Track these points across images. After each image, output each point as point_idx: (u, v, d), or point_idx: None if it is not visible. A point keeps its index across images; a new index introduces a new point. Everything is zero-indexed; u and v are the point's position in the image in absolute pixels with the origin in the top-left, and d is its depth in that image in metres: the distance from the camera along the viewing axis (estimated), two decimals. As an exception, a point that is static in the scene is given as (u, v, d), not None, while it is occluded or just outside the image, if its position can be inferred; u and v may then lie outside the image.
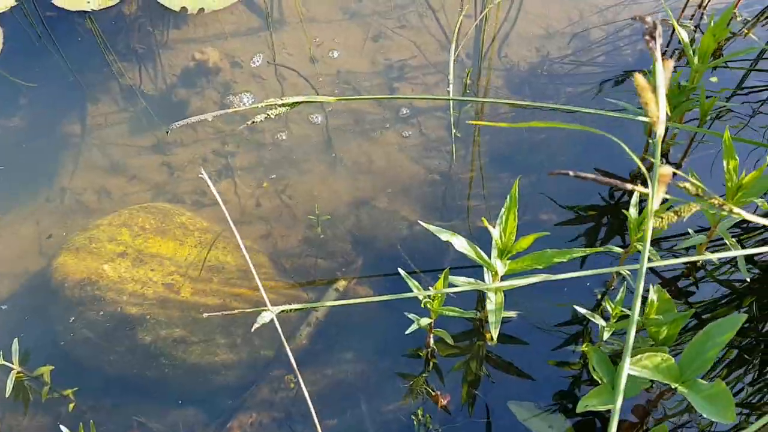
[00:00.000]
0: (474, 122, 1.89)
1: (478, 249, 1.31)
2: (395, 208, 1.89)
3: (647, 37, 0.64)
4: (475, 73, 2.17)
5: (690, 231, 1.51)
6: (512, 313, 1.58)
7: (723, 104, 1.68)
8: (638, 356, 1.05)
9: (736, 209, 0.64)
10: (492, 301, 1.28)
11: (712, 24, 1.51)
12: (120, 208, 1.88)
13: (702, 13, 2.23)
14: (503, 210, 1.25)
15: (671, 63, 0.64)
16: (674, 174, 0.63)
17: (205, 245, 1.77)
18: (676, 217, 0.62)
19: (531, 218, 1.84)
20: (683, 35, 1.57)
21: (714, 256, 1.31)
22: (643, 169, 0.61)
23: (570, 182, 1.88)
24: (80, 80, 2.19)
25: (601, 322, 1.33)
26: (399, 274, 1.42)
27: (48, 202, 1.97)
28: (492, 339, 1.32)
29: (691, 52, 1.56)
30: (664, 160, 1.84)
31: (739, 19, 2.22)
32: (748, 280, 1.52)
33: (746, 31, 2.17)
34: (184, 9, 2.29)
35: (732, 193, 1.24)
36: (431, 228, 1.33)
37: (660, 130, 0.58)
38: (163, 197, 1.96)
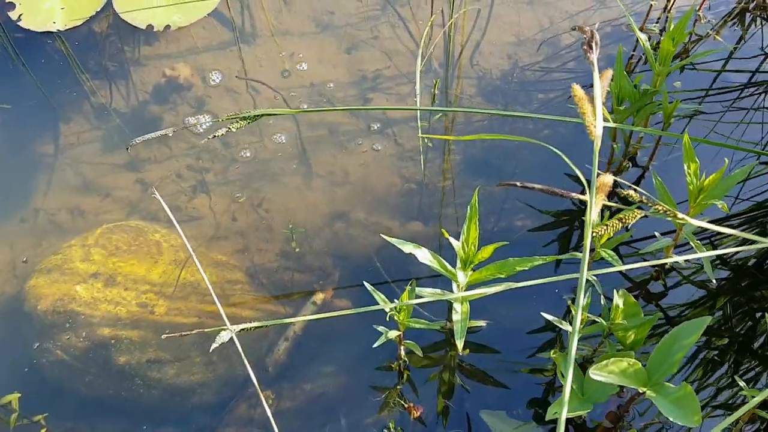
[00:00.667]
0: (424, 135, 1.91)
1: (442, 260, 1.31)
2: (372, 219, 1.89)
3: (585, 47, 0.64)
4: (445, 82, 2.18)
5: (656, 234, 1.52)
6: (482, 322, 1.59)
7: (687, 107, 1.70)
8: (605, 362, 1.06)
9: (680, 215, 0.65)
10: (458, 312, 1.29)
11: (672, 28, 1.53)
12: (94, 228, 1.87)
13: (667, 17, 2.25)
14: (465, 220, 1.25)
15: (610, 72, 0.65)
16: (616, 183, 0.64)
17: (180, 263, 1.76)
18: (620, 224, 0.62)
19: (506, 225, 1.84)
20: (643, 39, 1.59)
21: (680, 258, 1.32)
22: (583, 179, 0.62)
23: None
24: (52, 100, 2.18)
25: (569, 328, 1.33)
26: (376, 284, 1.42)
27: (22, 223, 1.95)
28: (459, 350, 1.32)
29: (652, 56, 1.58)
30: (630, 164, 1.86)
31: (704, 21, 2.24)
32: (714, 281, 1.53)
33: (713, 33, 2.20)
34: (150, 27, 2.29)
35: (694, 195, 1.25)
36: (392, 241, 1.34)
37: (597, 141, 0.58)
38: (137, 215, 1.96)
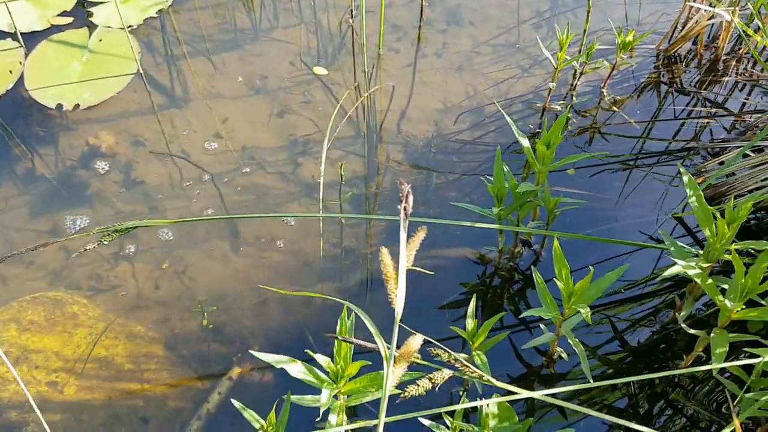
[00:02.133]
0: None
1: (317, 372, 1.31)
2: (297, 287, 1.92)
3: (400, 207, 0.68)
4: (372, 148, 2.23)
5: (542, 326, 1.58)
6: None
7: (572, 200, 1.77)
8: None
9: (486, 377, 0.69)
10: (332, 423, 1.29)
11: (546, 131, 1.60)
12: (17, 297, 1.86)
13: (572, 95, 2.36)
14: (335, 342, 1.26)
15: (424, 232, 0.69)
16: (428, 342, 0.68)
17: (96, 336, 1.76)
18: (430, 384, 0.66)
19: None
20: (523, 143, 1.66)
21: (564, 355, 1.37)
22: (382, 347, 0.66)
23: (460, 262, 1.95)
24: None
25: None
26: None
27: (-59, 291, 1.93)
28: None
29: (533, 157, 1.64)
30: (524, 250, 1.92)
31: (607, 98, 2.35)
32: (591, 381, 1.56)
33: (616, 108, 2.31)
34: (59, 106, 2.30)
35: (566, 299, 1.31)
36: (261, 356, 1.34)
37: (398, 310, 0.63)
38: (60, 283, 1.95)
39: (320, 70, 2.47)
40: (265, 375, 1.80)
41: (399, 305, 0.62)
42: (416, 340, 0.64)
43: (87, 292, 1.92)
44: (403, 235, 0.63)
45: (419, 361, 0.73)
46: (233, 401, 1.40)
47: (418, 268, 0.67)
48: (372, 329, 0.67)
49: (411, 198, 0.68)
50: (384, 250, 0.66)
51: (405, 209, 0.66)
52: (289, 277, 1.94)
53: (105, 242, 0.98)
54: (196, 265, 1.97)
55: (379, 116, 2.33)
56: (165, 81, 2.42)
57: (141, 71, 2.41)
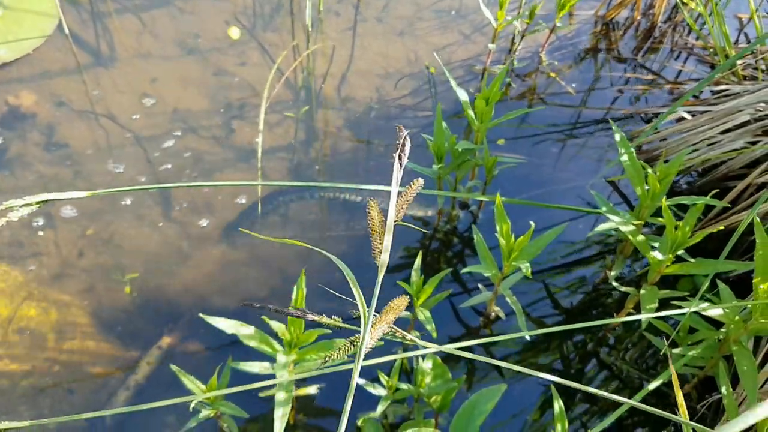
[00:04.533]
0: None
1: (270, 339, 1.27)
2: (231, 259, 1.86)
3: (395, 153, 0.64)
4: (311, 113, 2.18)
5: (480, 286, 1.58)
6: (312, 389, 1.58)
7: (510, 160, 1.77)
8: (408, 430, 1.08)
9: (421, 342, 0.67)
10: (281, 399, 1.25)
11: (485, 87, 1.59)
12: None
13: (512, 60, 2.35)
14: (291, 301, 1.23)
15: (421, 181, 0.65)
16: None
17: (17, 305, 1.67)
18: (352, 347, 0.63)
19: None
20: (461, 95, 1.63)
21: (501, 313, 1.37)
22: (363, 310, 0.62)
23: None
24: None
25: (381, 392, 1.35)
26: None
27: None
28: None
29: (471, 114, 1.63)
30: (462, 212, 1.92)
31: (545, 63, 2.36)
32: (528, 338, 1.58)
33: (554, 74, 2.31)
34: None
35: (506, 255, 1.30)
36: (211, 320, 1.28)
37: (381, 269, 0.59)
38: (-23, 250, 1.84)
39: (234, 32, 2.36)
40: (195, 344, 1.74)
41: (384, 258, 0.58)
42: (402, 301, 0.61)
43: (8, 259, 1.82)
44: (394, 186, 0.59)
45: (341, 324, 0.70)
46: (171, 366, 1.35)
47: (406, 224, 0.64)
48: (352, 285, 0.63)
49: (408, 145, 0.63)
50: (373, 203, 0.62)
51: (400, 157, 0.62)
52: (224, 246, 1.88)
53: (14, 219, 0.90)
54: (122, 232, 1.88)
55: (319, 81, 2.27)
56: (90, 39, 2.29)
57: (65, 27, 2.27)
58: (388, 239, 0.61)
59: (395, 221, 0.61)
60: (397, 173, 0.65)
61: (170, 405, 1.62)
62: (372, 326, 0.61)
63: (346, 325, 0.74)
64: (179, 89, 2.19)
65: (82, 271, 1.82)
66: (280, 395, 1.16)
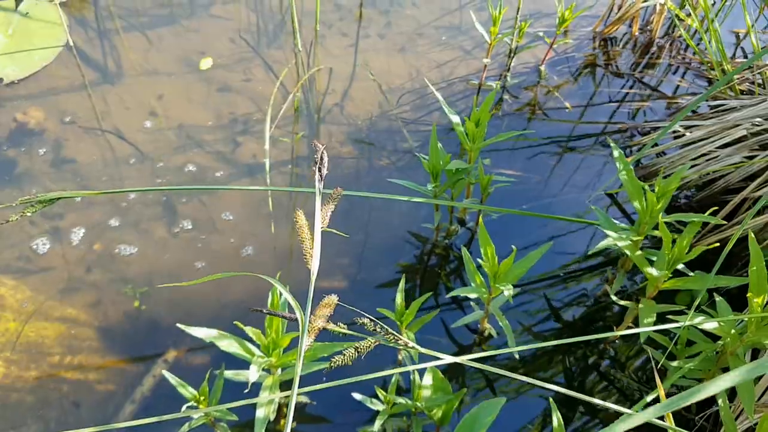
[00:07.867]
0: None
1: (248, 345, 1.30)
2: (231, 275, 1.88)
3: (314, 169, 0.68)
4: (315, 128, 2.21)
5: (472, 304, 1.60)
6: (305, 399, 1.60)
7: (502, 179, 1.79)
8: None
9: (402, 339, 0.69)
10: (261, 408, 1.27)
11: (476, 109, 1.62)
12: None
13: (506, 75, 2.39)
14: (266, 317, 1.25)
15: (341, 191, 0.68)
16: (365, 318, 0.67)
17: (25, 319, 1.69)
18: (356, 353, 0.66)
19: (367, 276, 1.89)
20: (453, 119, 1.66)
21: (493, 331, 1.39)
22: (299, 315, 0.65)
23: (398, 233, 1.95)
24: None
25: (379, 407, 1.36)
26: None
27: None
28: None
29: (463, 135, 1.65)
30: (459, 227, 1.94)
31: (545, 76, 2.39)
32: (517, 357, 1.58)
33: (552, 89, 2.35)
34: None
35: (491, 278, 1.32)
36: (191, 330, 1.32)
37: (313, 275, 0.62)
38: (-15, 264, 1.87)
39: (206, 63, 2.35)
40: (202, 357, 1.77)
41: (314, 264, 0.61)
42: (332, 298, 0.63)
43: (15, 274, 1.85)
44: (318, 197, 0.62)
45: (346, 331, 0.72)
46: (167, 374, 1.37)
47: (332, 230, 0.67)
48: (288, 297, 0.66)
49: (326, 159, 0.66)
50: (299, 213, 0.65)
51: (320, 170, 0.65)
52: (227, 260, 1.91)
53: (28, 213, 0.93)
54: (130, 246, 1.91)
55: (321, 97, 2.31)
56: (97, 56, 2.33)
57: (72, 45, 2.31)
58: (317, 246, 0.64)
59: (321, 228, 0.65)
60: (318, 184, 0.69)
61: (176, 418, 1.64)
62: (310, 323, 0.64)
63: (344, 330, 0.76)
64: (185, 105, 2.22)
65: (89, 286, 1.84)
66: (263, 396, 1.19)
